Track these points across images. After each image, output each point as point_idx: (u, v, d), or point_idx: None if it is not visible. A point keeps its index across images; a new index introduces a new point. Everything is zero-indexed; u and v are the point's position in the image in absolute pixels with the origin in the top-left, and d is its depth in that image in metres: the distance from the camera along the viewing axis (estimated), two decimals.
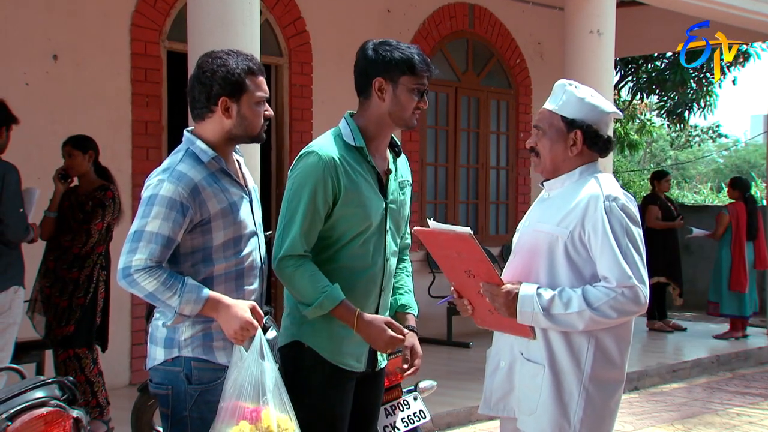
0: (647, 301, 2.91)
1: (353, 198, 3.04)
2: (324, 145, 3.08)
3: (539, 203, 3.17)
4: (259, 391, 2.75)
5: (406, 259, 3.41)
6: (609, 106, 3.07)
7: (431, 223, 3.03)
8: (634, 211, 2.98)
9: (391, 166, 3.22)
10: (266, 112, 3.01)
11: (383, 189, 3.16)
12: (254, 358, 2.79)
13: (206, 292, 2.83)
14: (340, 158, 3.04)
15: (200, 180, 2.89)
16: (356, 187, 3.05)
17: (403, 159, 3.31)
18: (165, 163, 2.96)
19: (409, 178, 3.33)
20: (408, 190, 3.29)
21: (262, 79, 3.00)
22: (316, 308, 3.00)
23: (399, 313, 3.36)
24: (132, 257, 2.79)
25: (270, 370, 2.79)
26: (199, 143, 2.95)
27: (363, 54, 3.13)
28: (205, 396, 2.88)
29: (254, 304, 2.90)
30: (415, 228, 3.13)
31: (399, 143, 3.30)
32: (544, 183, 3.14)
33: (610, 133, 3.12)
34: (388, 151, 3.24)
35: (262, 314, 2.90)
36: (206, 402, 2.88)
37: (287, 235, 3.02)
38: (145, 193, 2.88)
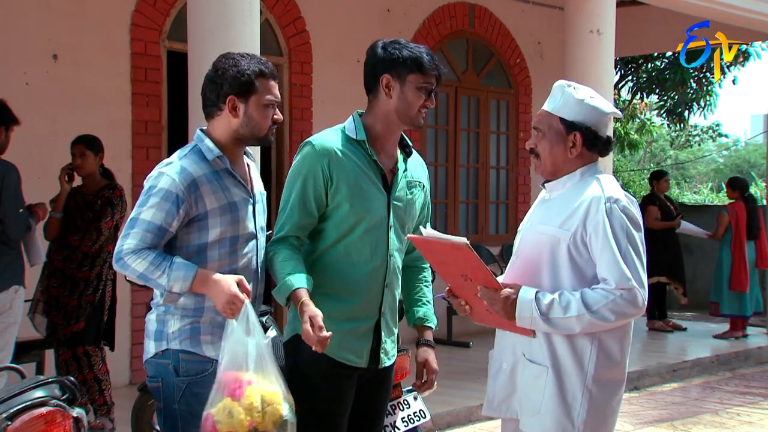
0: (645, 303, 2.91)
1: (347, 188, 3.06)
2: (321, 136, 3.14)
3: (540, 204, 3.16)
4: (242, 367, 2.78)
5: (425, 268, 3.41)
6: (608, 107, 3.06)
7: (424, 230, 3.04)
8: (636, 213, 2.97)
9: (400, 165, 3.22)
10: (275, 116, 3.06)
11: (387, 185, 3.16)
12: (241, 333, 2.82)
13: (194, 268, 2.90)
14: (336, 148, 3.08)
15: (200, 176, 2.95)
16: (352, 177, 3.08)
17: (416, 160, 3.32)
18: (170, 158, 3.05)
19: (422, 180, 3.33)
20: (418, 191, 3.29)
21: (273, 83, 3.05)
22: (276, 293, 3.04)
23: (418, 325, 3.37)
24: (124, 242, 2.91)
25: (254, 345, 2.81)
26: (207, 141, 3.02)
27: (372, 52, 3.16)
28: (192, 388, 2.92)
29: (241, 277, 2.92)
30: (409, 235, 3.13)
31: (410, 143, 3.30)
32: (545, 184, 3.14)
33: (610, 132, 3.12)
34: (398, 151, 3.25)
35: (250, 288, 2.93)
36: (194, 394, 2.91)
37: (277, 222, 3.12)
38: (146, 185, 2.99)
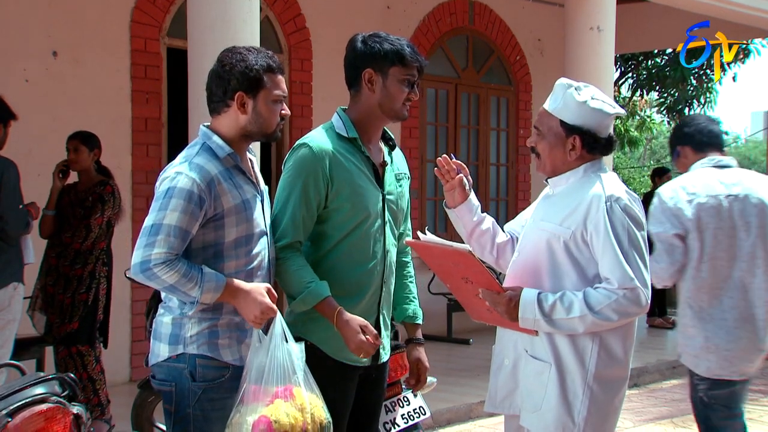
0: (648, 302, 2.90)
1: (348, 188, 3.04)
2: (316, 137, 3.08)
3: (544, 200, 3.16)
4: (288, 372, 2.78)
5: (408, 263, 3.41)
6: (611, 108, 3.01)
7: (422, 235, 3.04)
8: (638, 211, 2.95)
9: (387, 158, 3.22)
10: (283, 111, 3.01)
11: (379, 180, 3.16)
12: (278, 342, 2.81)
13: (224, 279, 2.84)
14: (332, 149, 3.04)
15: (216, 174, 2.88)
16: (350, 177, 3.05)
17: (398, 152, 3.31)
18: (181, 156, 2.95)
19: (407, 172, 3.33)
20: (405, 183, 3.29)
21: (281, 78, 3.00)
22: (299, 302, 3.00)
23: (407, 324, 3.38)
24: (151, 251, 2.76)
25: (297, 350, 2.82)
26: (216, 138, 2.94)
27: (352, 47, 3.13)
28: (208, 393, 2.88)
29: (269, 286, 2.91)
30: (407, 240, 3.13)
31: (392, 136, 3.29)
32: (548, 180, 3.13)
33: (611, 131, 3.07)
34: (382, 144, 3.24)
35: (276, 295, 2.92)
36: (210, 399, 2.87)
37: (277, 226, 3.04)
38: (162, 186, 2.86)
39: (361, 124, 3.13)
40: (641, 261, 2.89)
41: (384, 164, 3.19)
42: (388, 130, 3.27)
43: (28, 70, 6.61)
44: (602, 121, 3.00)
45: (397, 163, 3.27)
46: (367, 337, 2.97)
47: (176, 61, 7.02)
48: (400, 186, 3.25)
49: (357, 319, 2.99)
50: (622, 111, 3.12)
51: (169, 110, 7.45)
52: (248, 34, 4.77)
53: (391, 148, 3.27)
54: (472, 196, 3.25)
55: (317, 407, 2.80)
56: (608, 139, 3.03)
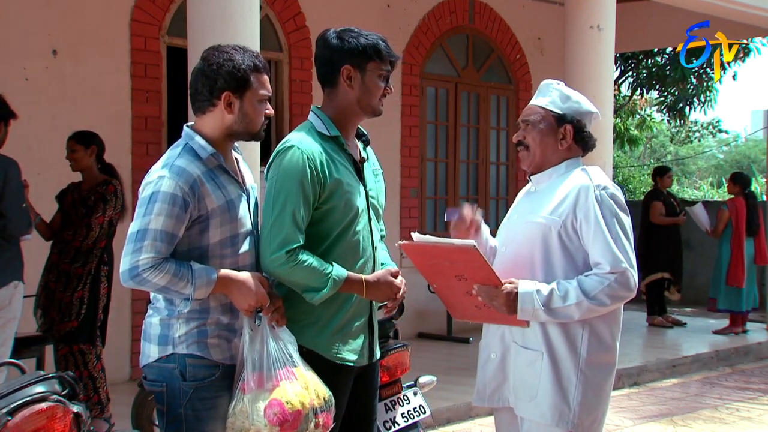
0: (636, 285, 3.04)
1: (340, 186, 3.02)
2: (301, 138, 3.03)
3: (526, 197, 3.31)
4: (285, 354, 2.89)
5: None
6: (593, 107, 3.23)
7: (416, 236, 3.06)
8: (622, 198, 3.12)
9: (363, 154, 3.21)
10: (267, 111, 3.00)
11: (361, 176, 3.15)
12: (268, 329, 2.89)
13: (214, 272, 2.84)
14: (319, 149, 3.01)
15: (199, 175, 2.86)
16: (339, 176, 3.03)
17: (370, 149, 3.30)
18: (163, 159, 2.94)
19: (380, 167, 3.33)
20: (381, 179, 3.30)
21: (266, 78, 2.99)
22: (330, 290, 2.96)
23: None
24: (138, 257, 2.76)
25: (286, 333, 2.92)
26: (198, 139, 2.93)
27: (326, 43, 3.08)
28: (199, 392, 2.88)
29: (258, 274, 2.93)
30: (401, 243, 3.10)
31: (365, 132, 3.27)
32: (531, 177, 3.27)
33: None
34: (356, 140, 3.23)
35: (268, 281, 2.94)
36: (201, 398, 2.88)
37: (279, 233, 2.94)
38: (145, 191, 2.85)
39: (339, 122, 3.10)
40: (628, 244, 3.05)
41: (363, 160, 3.19)
42: (360, 126, 3.25)
43: (27, 69, 6.61)
44: (586, 116, 3.21)
45: (372, 159, 3.27)
46: (399, 280, 3.11)
47: (176, 59, 7.02)
48: (378, 181, 3.26)
49: (379, 272, 3.10)
50: (599, 113, 3.33)
51: (168, 109, 7.46)
52: (248, 32, 4.77)
53: (365, 143, 3.25)
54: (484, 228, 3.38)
55: (317, 383, 2.89)
56: (589, 135, 3.22)
